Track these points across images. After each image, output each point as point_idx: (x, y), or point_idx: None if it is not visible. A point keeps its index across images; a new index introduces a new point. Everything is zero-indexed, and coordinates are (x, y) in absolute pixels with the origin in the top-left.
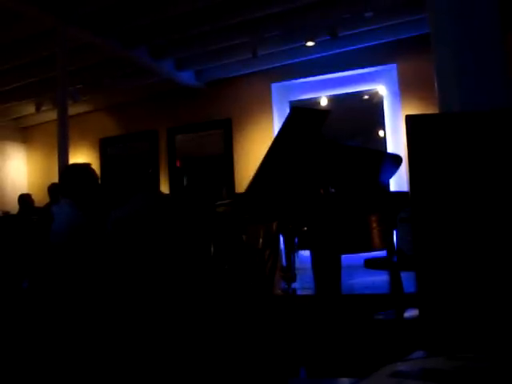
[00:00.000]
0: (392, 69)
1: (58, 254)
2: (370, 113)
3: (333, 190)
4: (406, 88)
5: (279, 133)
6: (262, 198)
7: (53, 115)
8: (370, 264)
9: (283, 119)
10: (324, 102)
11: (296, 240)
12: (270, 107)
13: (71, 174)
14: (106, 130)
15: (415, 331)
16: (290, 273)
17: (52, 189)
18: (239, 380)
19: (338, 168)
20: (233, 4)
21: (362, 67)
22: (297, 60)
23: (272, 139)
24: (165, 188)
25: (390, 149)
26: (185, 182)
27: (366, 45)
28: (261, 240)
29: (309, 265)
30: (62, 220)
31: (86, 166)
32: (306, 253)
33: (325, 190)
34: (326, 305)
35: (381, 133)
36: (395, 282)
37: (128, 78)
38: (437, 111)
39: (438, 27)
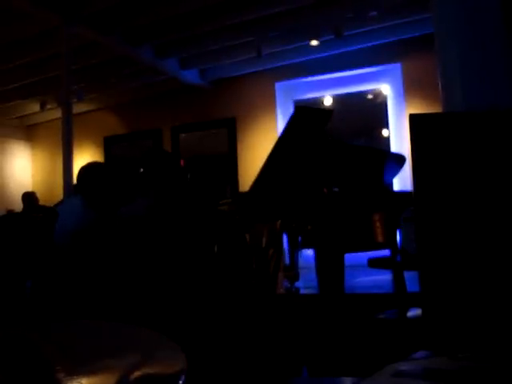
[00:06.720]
0: (396, 68)
1: (63, 253)
2: (374, 112)
3: (336, 189)
4: (410, 87)
5: (283, 132)
6: (265, 196)
7: (57, 113)
8: (374, 263)
9: (287, 118)
10: (328, 101)
11: (299, 239)
12: (274, 106)
13: (92, 172)
14: (110, 129)
15: (418, 331)
16: (293, 272)
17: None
18: (241, 379)
19: (342, 167)
20: (237, 3)
21: (366, 66)
22: (301, 59)
23: (276, 138)
24: None
25: (394, 148)
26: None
27: (371, 44)
28: (264, 239)
29: (312, 264)
30: (67, 219)
31: (103, 165)
32: (310, 252)
33: (328, 189)
34: (329, 304)
35: (385, 132)
36: (398, 281)
37: (132, 76)
38: (441, 111)
39: (442, 27)
